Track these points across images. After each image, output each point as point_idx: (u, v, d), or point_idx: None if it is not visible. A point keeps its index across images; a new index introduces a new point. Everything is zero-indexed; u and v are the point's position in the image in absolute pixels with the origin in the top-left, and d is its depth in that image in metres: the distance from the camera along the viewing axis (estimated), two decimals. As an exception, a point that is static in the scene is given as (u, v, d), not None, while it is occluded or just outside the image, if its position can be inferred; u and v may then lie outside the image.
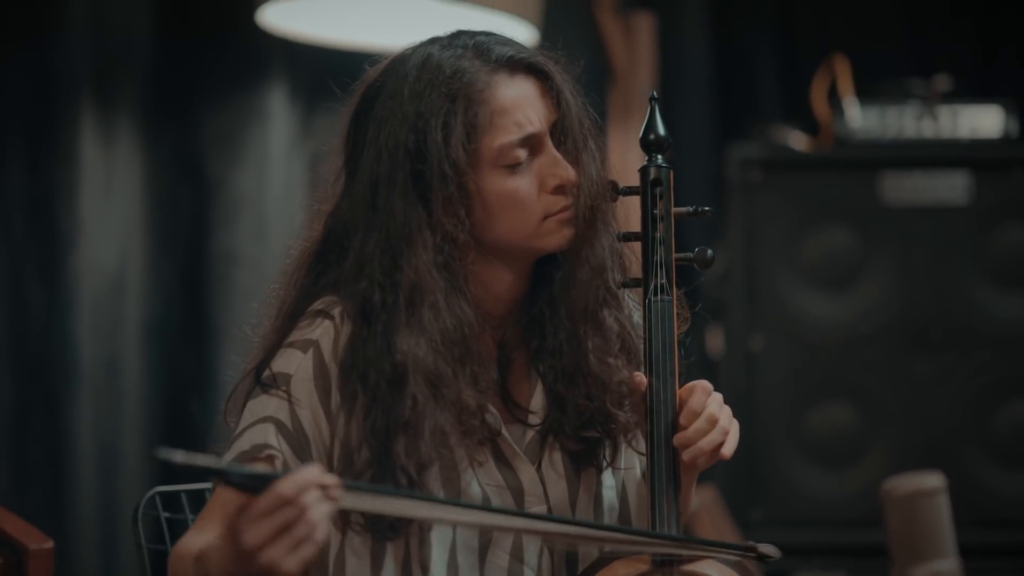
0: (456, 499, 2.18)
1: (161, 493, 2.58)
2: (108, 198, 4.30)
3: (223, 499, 2.16)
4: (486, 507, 2.17)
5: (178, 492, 2.63)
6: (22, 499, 4.07)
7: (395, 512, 2.05)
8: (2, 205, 4.19)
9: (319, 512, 1.84)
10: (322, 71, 4.33)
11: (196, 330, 4.40)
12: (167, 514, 2.58)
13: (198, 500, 2.64)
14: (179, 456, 1.81)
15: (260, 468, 1.87)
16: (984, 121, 4.52)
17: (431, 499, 2.08)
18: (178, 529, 2.59)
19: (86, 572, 4.19)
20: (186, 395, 4.37)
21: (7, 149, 4.21)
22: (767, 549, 2.17)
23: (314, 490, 1.84)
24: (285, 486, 1.83)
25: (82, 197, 4.24)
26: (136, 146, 4.36)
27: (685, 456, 2.18)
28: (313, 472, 1.85)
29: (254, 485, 1.83)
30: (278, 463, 2.16)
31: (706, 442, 2.17)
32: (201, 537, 2.12)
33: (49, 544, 2.70)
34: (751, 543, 2.17)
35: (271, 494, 1.82)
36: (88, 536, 4.20)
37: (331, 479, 1.85)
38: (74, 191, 4.24)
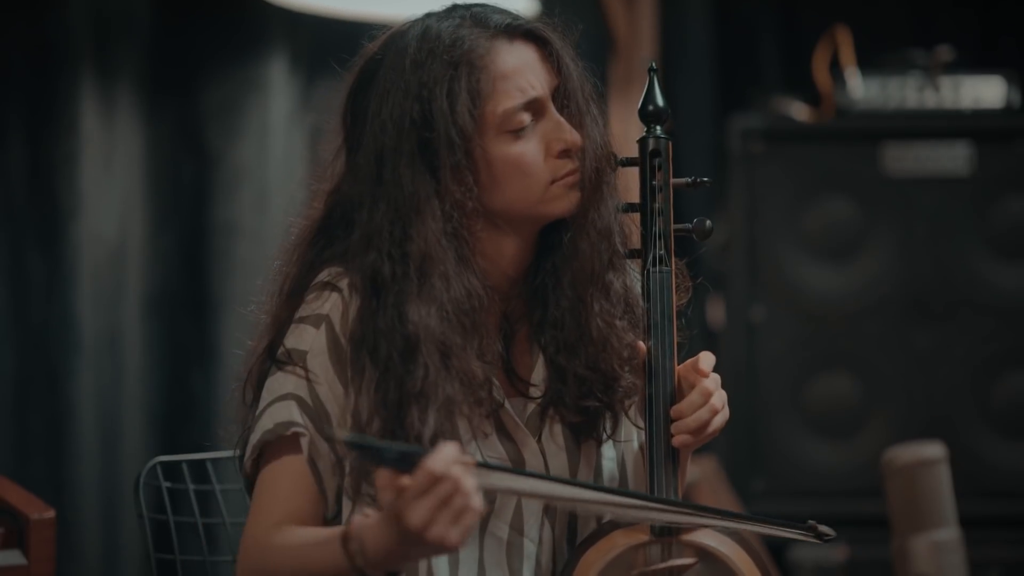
0: (578, 480, 2.23)
1: (162, 463, 2.59)
2: (109, 170, 4.29)
3: (280, 480, 2.18)
4: (612, 489, 2.20)
5: (179, 462, 2.63)
6: (23, 469, 4.08)
7: (522, 491, 2.12)
8: (3, 177, 4.19)
9: (471, 482, 1.89)
10: (323, 42, 4.33)
11: (196, 302, 4.40)
12: (168, 484, 2.58)
13: (199, 470, 2.64)
14: (345, 435, 1.91)
15: (410, 446, 1.96)
16: (986, 92, 4.51)
17: (558, 480, 2.16)
18: (179, 499, 2.60)
19: (88, 541, 4.20)
20: (186, 366, 4.38)
21: (8, 121, 4.21)
22: (825, 528, 2.18)
23: (459, 464, 1.89)
24: (434, 463, 1.88)
25: (83, 169, 4.24)
26: (136, 118, 4.36)
27: (673, 429, 2.19)
28: (453, 448, 1.90)
29: (406, 462, 1.89)
30: (304, 441, 2.17)
31: (694, 419, 2.18)
32: (288, 530, 2.13)
33: (50, 514, 2.70)
34: (811, 522, 2.18)
35: (423, 473, 1.88)
36: (89, 506, 4.20)
37: (468, 458, 1.91)
38: (75, 163, 4.23)
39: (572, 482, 2.20)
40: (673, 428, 2.19)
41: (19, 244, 4.20)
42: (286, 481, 2.17)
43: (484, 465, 1.94)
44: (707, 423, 2.18)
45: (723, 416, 2.21)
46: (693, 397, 2.19)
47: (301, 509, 2.17)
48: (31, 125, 4.23)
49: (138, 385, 4.32)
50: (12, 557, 2.68)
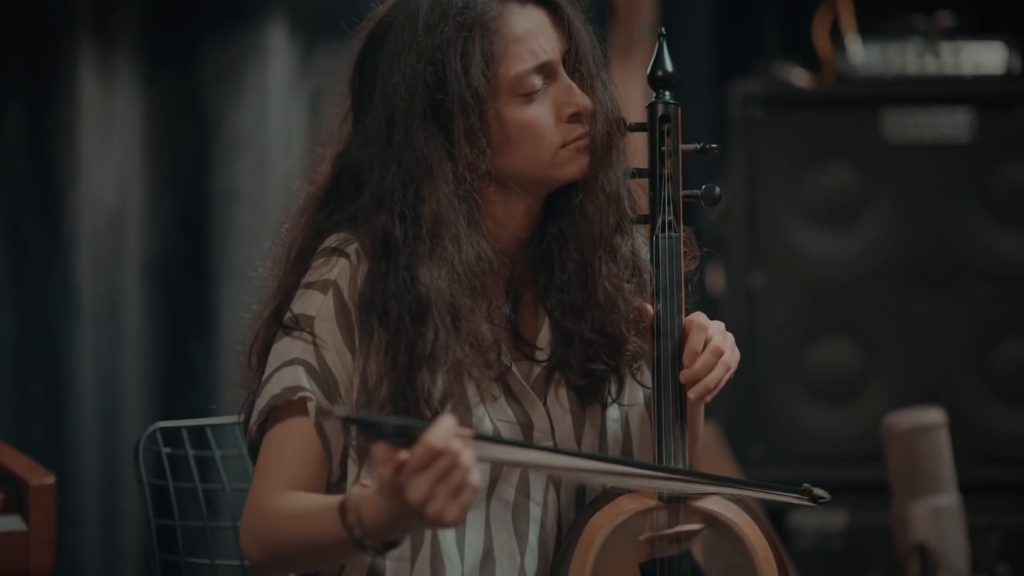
0: (573, 449, 2.23)
1: (162, 429, 2.59)
2: (108, 136, 4.29)
3: (285, 443, 2.18)
4: (615, 459, 2.20)
5: (178, 428, 2.63)
6: (23, 435, 4.08)
7: (521, 462, 2.11)
8: (2, 144, 4.18)
9: (469, 456, 1.88)
10: (323, 7, 4.31)
11: (196, 268, 4.40)
12: (168, 449, 2.58)
13: (198, 436, 2.65)
14: (340, 411, 1.92)
15: (408, 420, 1.94)
16: (987, 58, 4.50)
17: (558, 451, 2.16)
18: (179, 465, 2.60)
19: (88, 507, 4.21)
20: (186, 332, 4.38)
21: (7, 88, 4.20)
22: (820, 492, 2.19)
23: (457, 438, 1.87)
24: (434, 437, 1.86)
25: (82, 135, 4.23)
26: (135, 84, 4.35)
27: (691, 395, 2.20)
28: (451, 421, 1.88)
29: (404, 436, 1.87)
30: (311, 406, 2.17)
31: (711, 379, 2.20)
32: (287, 495, 2.13)
33: (51, 479, 2.71)
34: (806, 486, 2.18)
35: (422, 447, 1.86)
36: (89, 472, 4.21)
37: (466, 430, 1.89)
38: (74, 129, 4.23)
39: (573, 452, 2.20)
40: (691, 391, 2.20)
41: (18, 211, 4.20)
42: (291, 445, 2.17)
43: (481, 437, 1.93)
44: (720, 380, 2.21)
45: (735, 361, 2.24)
46: (706, 357, 2.20)
47: (305, 473, 2.17)
48: (30, 92, 4.22)
49: (138, 351, 4.32)
50: (12, 523, 2.70)
